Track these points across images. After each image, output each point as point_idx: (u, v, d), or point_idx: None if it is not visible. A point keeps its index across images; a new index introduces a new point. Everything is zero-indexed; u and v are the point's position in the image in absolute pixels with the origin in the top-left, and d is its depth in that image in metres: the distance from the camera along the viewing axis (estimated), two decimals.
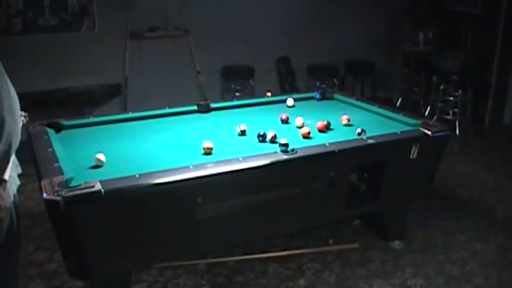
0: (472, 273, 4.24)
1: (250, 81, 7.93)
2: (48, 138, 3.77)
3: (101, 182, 2.95)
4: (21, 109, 3.26)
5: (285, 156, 3.52)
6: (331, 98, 5.38)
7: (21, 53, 6.60)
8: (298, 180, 3.67)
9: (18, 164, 2.80)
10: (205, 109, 4.83)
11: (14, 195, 2.68)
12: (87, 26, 7.09)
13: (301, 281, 4.07)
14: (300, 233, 4.57)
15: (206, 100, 6.26)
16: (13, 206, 2.65)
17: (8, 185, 2.50)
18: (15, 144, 2.52)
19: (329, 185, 3.77)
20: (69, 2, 6.91)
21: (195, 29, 7.56)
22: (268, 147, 3.80)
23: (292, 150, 3.58)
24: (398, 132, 4.16)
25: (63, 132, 4.11)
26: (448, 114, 7.64)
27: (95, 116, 4.59)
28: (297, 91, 7.44)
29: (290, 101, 5.07)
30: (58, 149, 3.58)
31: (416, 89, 8.68)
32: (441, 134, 4.19)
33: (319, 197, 3.82)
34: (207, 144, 3.68)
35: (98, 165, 3.41)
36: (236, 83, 7.91)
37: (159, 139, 4.06)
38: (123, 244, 3.13)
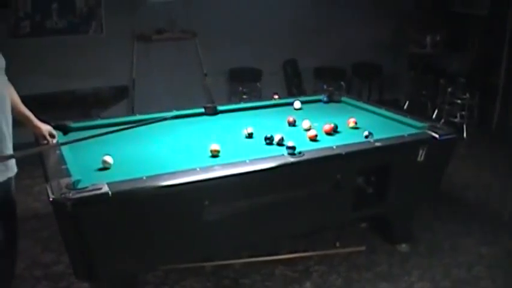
0: (479, 276, 4.23)
1: (258, 83, 7.94)
2: (57, 141, 3.77)
3: (108, 184, 2.96)
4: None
5: (292, 159, 3.52)
6: (339, 101, 5.38)
7: (29, 55, 6.62)
8: (305, 183, 3.67)
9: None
10: (213, 112, 4.84)
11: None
12: (95, 29, 7.12)
13: (308, 284, 4.07)
14: (306, 235, 4.56)
15: (213, 102, 6.26)
16: None
17: None
18: None
19: (336, 188, 3.77)
20: (77, 5, 6.94)
21: (202, 31, 7.57)
22: (275, 149, 3.79)
23: (299, 152, 3.58)
24: (406, 135, 4.15)
25: (71, 134, 4.12)
26: (456, 117, 7.64)
27: (102, 118, 4.60)
28: (304, 94, 7.44)
29: (297, 104, 5.07)
30: (65, 151, 3.59)
31: (423, 92, 8.67)
32: (448, 137, 4.19)
33: (326, 200, 3.82)
34: (214, 146, 3.69)
35: (105, 168, 3.41)
36: (243, 86, 7.92)
37: (166, 141, 4.07)
38: (130, 246, 3.13)
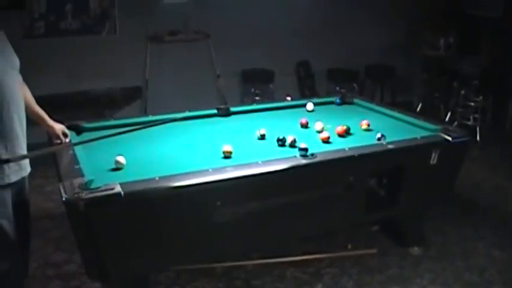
0: (491, 280, 4.21)
1: (270, 85, 7.94)
2: (69, 140, 3.79)
3: (120, 184, 2.97)
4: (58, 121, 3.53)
5: (304, 161, 3.52)
6: (351, 103, 5.36)
7: (43, 55, 6.65)
8: (317, 185, 3.67)
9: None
10: (225, 113, 4.84)
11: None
12: (108, 30, 7.15)
13: (319, 286, 4.06)
14: (318, 237, 4.55)
15: (226, 104, 6.27)
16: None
17: None
18: None
19: (348, 190, 3.76)
20: (91, 6, 6.97)
21: (215, 32, 7.58)
22: (287, 151, 3.79)
23: (312, 154, 3.58)
24: (419, 137, 4.14)
25: (84, 134, 4.14)
26: (469, 120, 7.60)
27: (115, 119, 4.62)
28: (317, 95, 7.43)
29: (310, 106, 5.06)
30: (78, 151, 3.61)
31: (436, 94, 8.63)
32: (461, 139, 4.17)
33: (338, 202, 3.82)
34: (227, 148, 3.69)
35: (118, 168, 3.42)
36: (256, 87, 7.92)
37: (178, 142, 4.07)
38: (142, 246, 3.14)
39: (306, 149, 3.61)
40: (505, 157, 7.02)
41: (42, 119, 3.52)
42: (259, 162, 3.45)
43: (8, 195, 3.04)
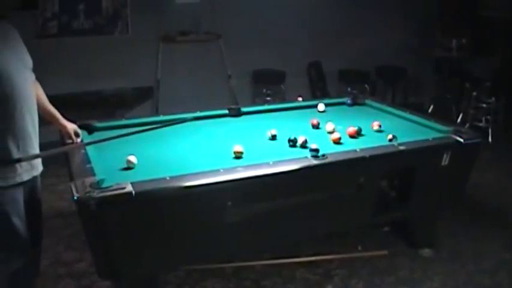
0: (502, 283, 4.18)
1: (281, 85, 7.94)
2: (81, 139, 3.81)
3: (132, 183, 2.97)
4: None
5: (315, 162, 3.51)
6: (363, 104, 5.35)
7: (55, 55, 6.69)
8: (328, 186, 3.66)
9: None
10: (236, 113, 4.85)
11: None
12: (121, 30, 7.18)
13: (329, 287, 4.06)
14: (328, 238, 4.54)
15: (237, 104, 6.27)
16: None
17: None
18: None
19: (359, 191, 3.75)
20: (103, 6, 7.00)
21: (227, 33, 7.59)
22: (298, 152, 3.79)
23: (323, 155, 3.57)
24: (430, 139, 4.12)
25: (96, 134, 4.15)
26: (481, 122, 7.57)
27: (126, 118, 4.63)
28: (328, 96, 7.42)
29: (321, 106, 5.05)
30: (90, 150, 3.62)
31: (448, 96, 8.60)
32: (473, 141, 4.14)
33: (349, 203, 3.81)
34: (238, 148, 3.69)
35: (129, 167, 3.43)
36: (267, 88, 7.92)
37: (190, 142, 4.08)
38: (152, 245, 3.14)
39: (317, 150, 3.60)
40: None
41: (55, 118, 3.54)
42: (270, 162, 3.44)
43: (20, 194, 3.06)
